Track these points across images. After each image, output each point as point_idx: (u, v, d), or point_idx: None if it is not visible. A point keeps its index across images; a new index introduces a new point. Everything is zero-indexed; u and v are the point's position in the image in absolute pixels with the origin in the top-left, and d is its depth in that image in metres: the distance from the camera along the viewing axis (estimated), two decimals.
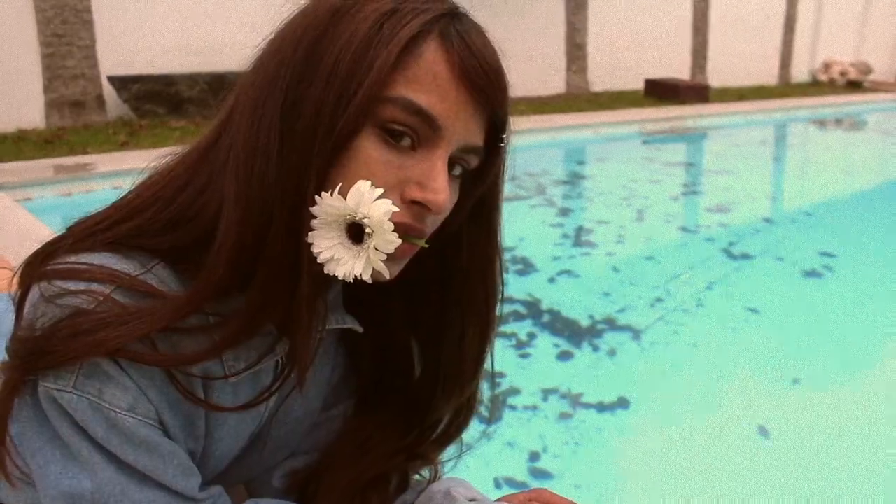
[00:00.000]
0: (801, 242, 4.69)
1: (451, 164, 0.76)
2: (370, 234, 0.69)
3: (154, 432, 0.76)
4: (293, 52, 0.72)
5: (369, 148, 0.71)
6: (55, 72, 7.33)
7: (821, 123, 10.58)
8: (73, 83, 7.43)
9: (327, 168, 0.71)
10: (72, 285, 0.71)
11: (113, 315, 0.70)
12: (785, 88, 13.55)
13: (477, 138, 0.76)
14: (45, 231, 3.24)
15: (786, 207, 6.08)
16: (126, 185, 0.84)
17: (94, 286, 0.71)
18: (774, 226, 5.20)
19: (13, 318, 0.78)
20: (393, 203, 0.71)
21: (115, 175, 4.92)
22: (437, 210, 0.73)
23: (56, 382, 0.72)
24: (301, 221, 0.71)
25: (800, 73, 14.79)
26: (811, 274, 3.95)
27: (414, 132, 0.72)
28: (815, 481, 2.24)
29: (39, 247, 0.80)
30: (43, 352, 0.71)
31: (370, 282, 0.74)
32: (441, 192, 0.72)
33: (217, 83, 7.63)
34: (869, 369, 3.03)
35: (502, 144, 0.80)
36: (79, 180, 4.96)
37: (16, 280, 0.80)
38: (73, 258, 0.74)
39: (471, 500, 0.89)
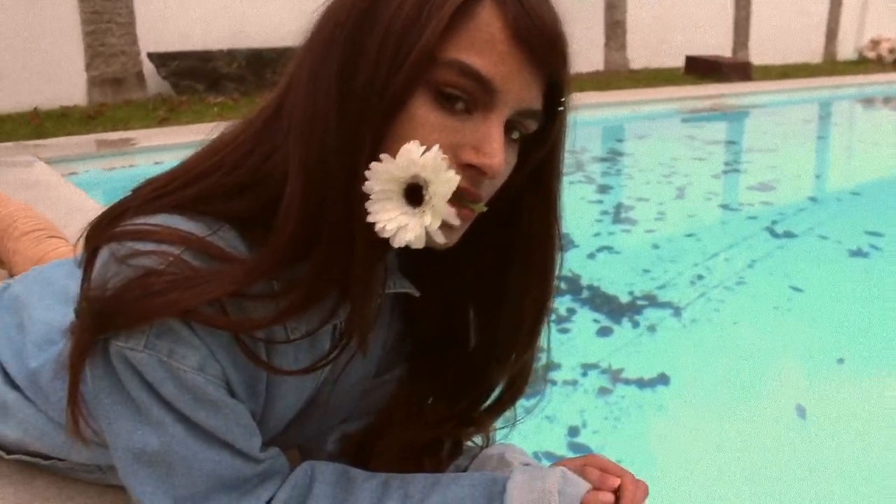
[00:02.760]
0: (846, 221, 4.59)
1: (509, 127, 0.75)
2: (427, 185, 0.69)
3: (221, 392, 0.77)
4: (347, 16, 0.72)
5: (423, 111, 0.71)
6: (96, 49, 7.41)
7: (867, 101, 10.33)
8: (113, 60, 7.51)
9: (381, 132, 0.71)
10: (142, 246, 0.73)
11: (183, 277, 0.72)
12: (830, 66, 13.24)
13: (534, 102, 0.75)
14: (91, 204, 3.30)
15: (831, 186, 5.97)
16: (167, 159, 0.85)
17: (164, 247, 0.73)
18: (819, 204, 5.11)
19: (79, 283, 0.80)
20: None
21: (156, 150, 4.98)
22: (493, 174, 0.72)
23: (127, 342, 0.73)
24: (357, 186, 0.71)
25: (846, 50, 14.43)
26: (857, 253, 3.88)
27: (469, 95, 0.71)
28: (854, 463, 2.22)
29: (105, 209, 0.82)
30: (114, 311, 0.72)
31: (430, 247, 0.75)
32: (496, 155, 0.72)
33: (255, 60, 7.67)
34: None
35: (561, 108, 0.79)
36: (121, 155, 5.03)
37: (80, 244, 0.82)
38: (141, 219, 0.75)
39: (524, 465, 0.90)
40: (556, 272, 0.90)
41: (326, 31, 0.74)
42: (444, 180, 0.69)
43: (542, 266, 0.89)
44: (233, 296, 0.73)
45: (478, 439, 1.06)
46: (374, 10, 0.71)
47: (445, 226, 0.72)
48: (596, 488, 0.86)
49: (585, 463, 0.91)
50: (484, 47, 0.70)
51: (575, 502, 0.83)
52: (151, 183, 0.81)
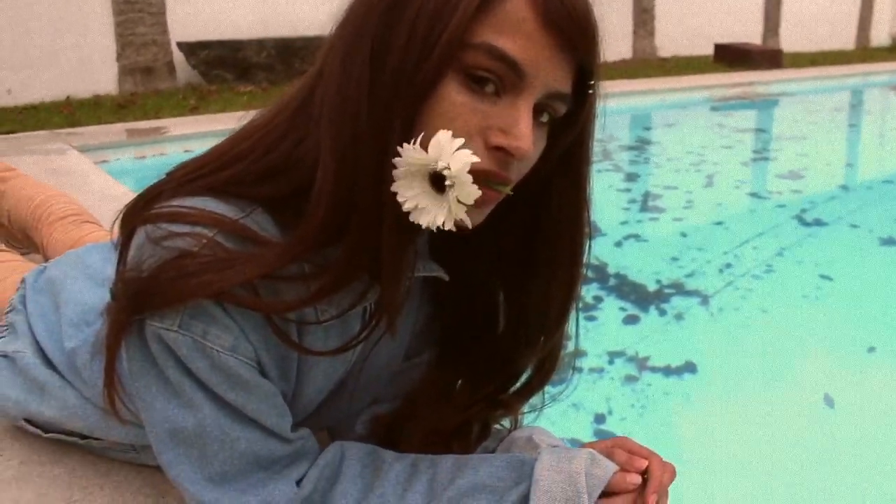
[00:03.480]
0: (878, 210, 4.53)
1: (538, 110, 0.76)
2: (451, 186, 0.70)
3: (253, 372, 0.79)
4: (378, 2, 0.73)
5: (453, 93, 0.71)
6: (127, 39, 7.49)
7: None
8: (144, 50, 7.59)
9: (412, 115, 0.71)
10: (177, 227, 0.74)
11: (217, 259, 0.73)
12: (863, 53, 13.03)
13: (564, 85, 0.75)
14: (122, 190, 3.34)
15: (862, 175, 5.88)
16: (197, 147, 0.87)
17: (199, 229, 0.74)
18: (850, 193, 5.04)
19: (114, 265, 0.82)
20: (476, 149, 0.72)
21: (186, 139, 5.04)
22: (521, 156, 0.73)
23: (162, 322, 0.75)
24: (388, 169, 0.72)
25: (880, 36, 14.18)
26: (888, 242, 3.83)
27: (498, 78, 0.72)
28: (883, 453, 2.19)
29: (141, 191, 0.83)
30: (150, 292, 0.74)
31: (454, 230, 0.76)
32: (524, 138, 0.72)
33: (284, 49, 7.70)
34: None
35: (591, 91, 0.79)
36: (152, 143, 5.09)
37: (117, 226, 0.84)
38: (176, 202, 0.77)
39: (552, 447, 0.90)
40: (585, 257, 0.91)
41: (358, 16, 0.75)
42: (466, 191, 0.69)
43: (571, 249, 0.90)
44: (265, 278, 0.74)
45: (506, 422, 1.07)
46: None
47: (473, 208, 0.73)
48: (624, 470, 0.86)
49: (614, 445, 0.92)
50: (514, 30, 0.70)
51: (602, 483, 0.84)
52: (185, 167, 0.82)
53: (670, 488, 0.91)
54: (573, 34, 0.72)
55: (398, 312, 0.83)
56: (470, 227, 0.76)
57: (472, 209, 0.73)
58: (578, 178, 0.86)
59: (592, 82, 0.77)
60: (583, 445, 0.93)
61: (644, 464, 0.87)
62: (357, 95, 0.72)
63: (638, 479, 0.85)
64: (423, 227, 0.72)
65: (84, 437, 1.19)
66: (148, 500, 1.15)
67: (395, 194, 0.72)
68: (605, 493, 0.84)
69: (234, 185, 0.78)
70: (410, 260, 0.83)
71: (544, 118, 0.77)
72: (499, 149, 0.73)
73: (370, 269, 0.78)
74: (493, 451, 1.01)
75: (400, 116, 0.71)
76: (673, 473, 0.89)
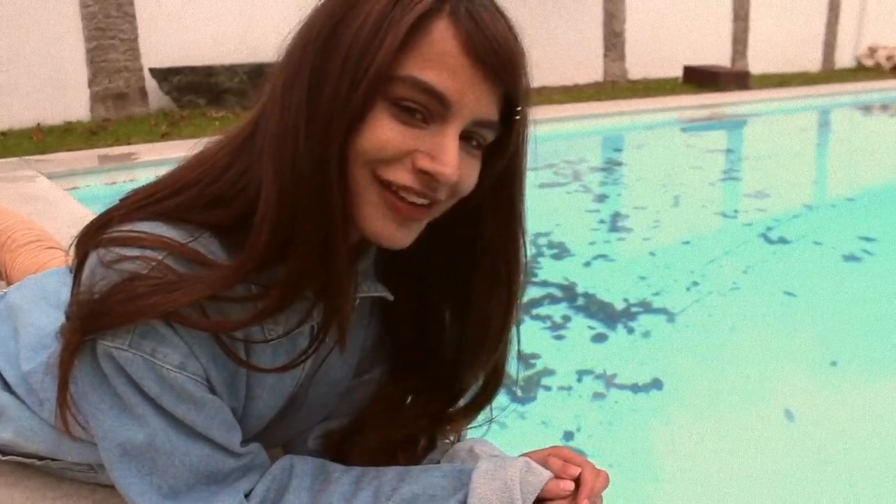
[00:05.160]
0: (840, 227, 4.62)
1: (467, 137, 0.80)
2: None
3: (202, 389, 0.81)
4: (315, 37, 0.77)
5: (382, 123, 0.75)
6: (99, 65, 7.48)
7: (865, 109, 10.36)
8: (116, 76, 7.57)
9: (347, 141, 0.75)
10: (127, 251, 0.77)
11: (166, 281, 0.76)
12: (829, 74, 13.27)
13: (489, 113, 0.79)
14: (92, 217, 3.34)
15: (826, 193, 6.00)
16: None
17: (149, 252, 0.77)
18: (814, 211, 5.14)
19: (69, 289, 0.84)
20: (404, 169, 0.76)
21: (158, 164, 5.02)
22: (445, 181, 0.77)
23: (113, 341, 0.77)
24: (328, 195, 0.75)
25: (844, 58, 14.46)
26: (850, 258, 3.90)
27: (424, 108, 0.75)
28: (844, 463, 2.24)
29: (93, 218, 0.86)
30: (101, 313, 0.76)
31: (392, 246, 0.80)
32: (449, 165, 0.76)
33: (256, 74, 7.71)
34: None
35: (517, 117, 0.83)
36: (123, 170, 5.07)
37: (72, 251, 0.86)
38: (127, 226, 0.79)
39: (493, 457, 0.93)
40: (522, 275, 0.94)
41: (296, 51, 0.79)
42: None
43: (508, 269, 0.93)
44: (211, 299, 0.77)
45: (453, 437, 1.10)
46: (337, 31, 0.76)
47: (403, 225, 0.77)
48: (558, 477, 0.89)
49: (550, 454, 0.95)
50: (438, 63, 0.74)
51: (536, 490, 0.87)
52: (136, 193, 0.85)
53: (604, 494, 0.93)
54: (497, 66, 0.76)
55: (346, 329, 0.86)
56: (400, 246, 0.79)
57: (399, 227, 0.77)
58: (511, 199, 0.90)
59: (519, 108, 0.81)
60: (521, 454, 0.96)
61: (577, 471, 0.90)
62: (295, 124, 0.76)
63: (571, 485, 0.88)
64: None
65: (42, 458, 1.20)
66: None
67: (337, 216, 0.76)
68: (540, 500, 0.87)
69: (182, 212, 0.81)
70: (354, 279, 0.86)
71: (474, 143, 0.81)
72: (424, 172, 0.76)
73: (314, 288, 0.81)
74: (437, 463, 1.04)
75: (336, 143, 0.74)
76: (606, 480, 0.92)
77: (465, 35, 0.74)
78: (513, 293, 0.94)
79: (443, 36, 0.74)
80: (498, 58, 0.75)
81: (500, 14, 0.78)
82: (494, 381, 1.03)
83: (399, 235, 0.78)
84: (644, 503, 2.05)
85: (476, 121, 0.78)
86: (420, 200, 0.79)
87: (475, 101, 0.76)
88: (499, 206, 0.89)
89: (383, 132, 0.75)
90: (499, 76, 0.76)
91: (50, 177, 4.49)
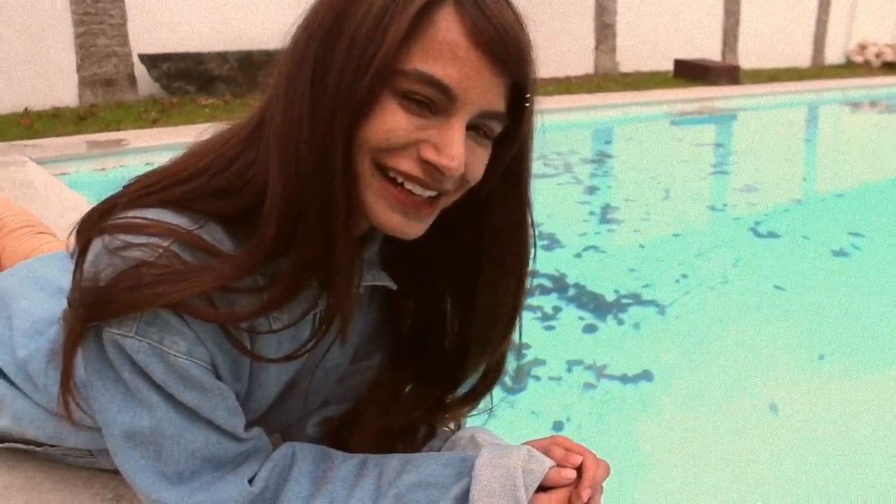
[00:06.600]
0: (829, 222, 4.65)
1: (475, 128, 0.79)
2: None
3: (208, 375, 0.81)
4: (318, 26, 0.76)
5: (388, 113, 0.74)
6: (88, 50, 7.42)
7: (854, 105, 10.41)
8: (105, 62, 7.52)
9: (352, 129, 0.75)
10: (133, 238, 0.76)
11: (173, 270, 0.75)
12: (818, 70, 13.33)
13: (496, 104, 0.78)
14: (84, 203, 3.32)
15: (815, 188, 6.02)
16: (158, 160, 0.89)
17: (155, 239, 0.76)
18: (803, 206, 5.16)
19: (69, 275, 0.84)
20: (410, 157, 0.76)
21: (147, 151, 5.01)
22: (450, 174, 0.76)
23: (120, 328, 0.77)
24: (332, 185, 0.75)
25: (834, 54, 14.53)
26: (839, 253, 3.93)
27: (430, 101, 0.75)
28: (830, 455, 2.26)
29: (96, 204, 0.85)
30: (106, 301, 0.75)
31: (405, 236, 0.79)
32: (454, 158, 0.75)
33: (246, 61, 7.68)
34: (894, 350, 3.03)
35: (526, 105, 0.82)
36: (112, 156, 5.05)
37: (72, 238, 0.85)
38: (133, 213, 0.79)
39: (495, 445, 0.94)
40: (530, 265, 0.94)
41: (300, 42, 0.78)
42: None
43: (516, 258, 0.93)
44: (219, 290, 0.77)
45: (453, 425, 1.11)
46: (341, 20, 0.75)
47: (412, 217, 0.77)
48: (560, 465, 0.90)
49: (551, 442, 0.95)
50: (443, 53, 0.73)
51: (538, 478, 0.87)
52: (140, 181, 0.84)
53: (606, 484, 0.94)
54: (504, 55, 0.75)
55: (349, 319, 0.86)
56: (411, 237, 0.79)
57: (408, 218, 0.76)
58: (520, 189, 0.90)
59: (528, 96, 0.81)
60: (522, 443, 0.97)
61: (579, 460, 0.91)
62: (300, 116, 0.76)
63: (573, 473, 0.89)
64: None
65: (41, 444, 1.20)
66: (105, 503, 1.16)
67: (341, 207, 0.76)
68: (543, 488, 0.88)
69: (188, 201, 0.81)
70: (358, 269, 0.86)
71: (482, 134, 0.81)
72: (430, 164, 0.76)
73: (319, 279, 0.81)
74: (438, 451, 1.04)
75: (340, 132, 0.74)
76: (607, 469, 0.93)
77: (471, 24, 0.73)
78: (522, 282, 0.95)
79: (448, 25, 0.73)
80: (505, 47, 0.75)
81: (505, 1, 0.77)
82: (495, 371, 1.03)
83: (409, 227, 0.78)
84: (632, 493, 2.07)
85: (483, 112, 0.77)
86: (426, 192, 0.79)
87: (481, 93, 0.76)
88: (507, 195, 0.89)
89: (390, 121, 0.75)
90: (506, 66, 0.76)
91: (40, 162, 4.46)
